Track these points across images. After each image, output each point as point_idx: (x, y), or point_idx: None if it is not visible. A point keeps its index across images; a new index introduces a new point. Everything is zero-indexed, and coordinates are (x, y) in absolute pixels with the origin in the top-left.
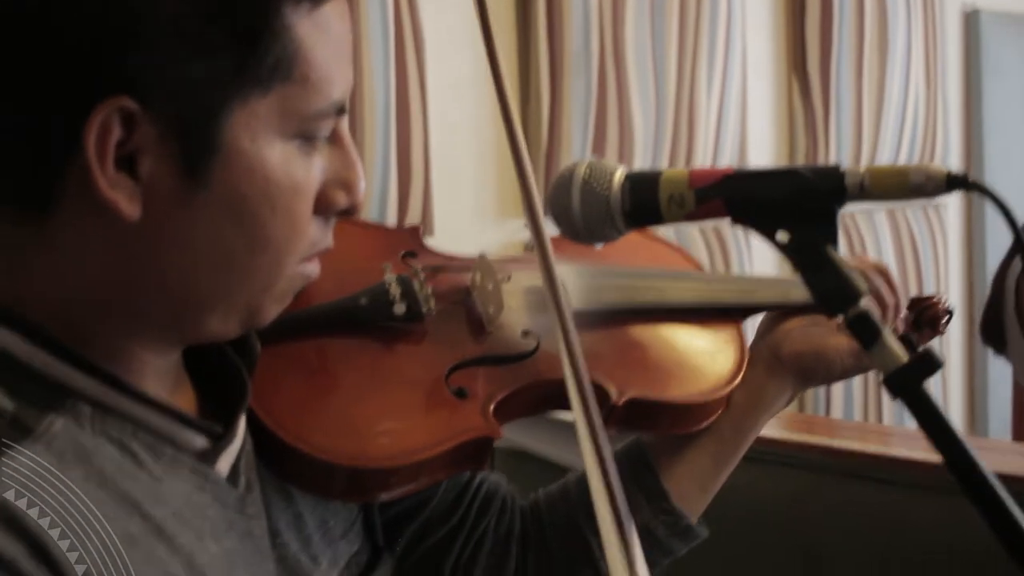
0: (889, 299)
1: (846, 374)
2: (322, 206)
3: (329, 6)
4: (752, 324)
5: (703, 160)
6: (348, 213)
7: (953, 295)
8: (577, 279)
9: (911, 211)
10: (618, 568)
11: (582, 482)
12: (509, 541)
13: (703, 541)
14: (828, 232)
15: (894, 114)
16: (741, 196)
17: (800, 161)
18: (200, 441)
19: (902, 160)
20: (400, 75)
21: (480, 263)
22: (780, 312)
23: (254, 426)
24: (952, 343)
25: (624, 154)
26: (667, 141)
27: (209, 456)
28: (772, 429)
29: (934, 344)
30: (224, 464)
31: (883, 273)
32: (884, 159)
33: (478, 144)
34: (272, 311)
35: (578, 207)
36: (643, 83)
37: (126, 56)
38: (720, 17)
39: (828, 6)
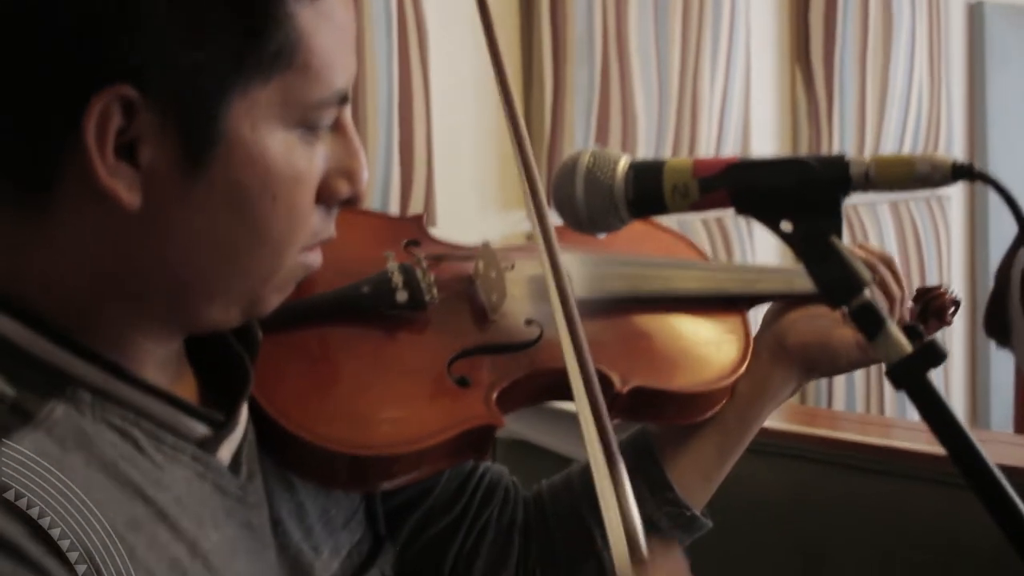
0: (895, 290)
1: (852, 366)
2: (324, 196)
3: None
4: (757, 314)
5: (707, 149)
6: (351, 203)
7: (956, 287)
8: (581, 268)
9: (914, 203)
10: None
11: (585, 472)
12: (512, 531)
13: (705, 532)
14: (832, 222)
15: (898, 104)
16: (745, 185)
17: (803, 151)
18: (201, 429)
19: (906, 150)
20: (403, 64)
21: (483, 251)
22: (786, 302)
23: (256, 415)
24: (955, 335)
25: (627, 143)
26: (670, 130)
27: (210, 444)
28: (774, 421)
29: (937, 335)
30: (226, 453)
31: (888, 263)
32: (887, 149)
33: (481, 133)
34: (273, 300)
35: (582, 196)
36: (646, 72)
37: (126, 44)
38: (724, 5)
39: None
